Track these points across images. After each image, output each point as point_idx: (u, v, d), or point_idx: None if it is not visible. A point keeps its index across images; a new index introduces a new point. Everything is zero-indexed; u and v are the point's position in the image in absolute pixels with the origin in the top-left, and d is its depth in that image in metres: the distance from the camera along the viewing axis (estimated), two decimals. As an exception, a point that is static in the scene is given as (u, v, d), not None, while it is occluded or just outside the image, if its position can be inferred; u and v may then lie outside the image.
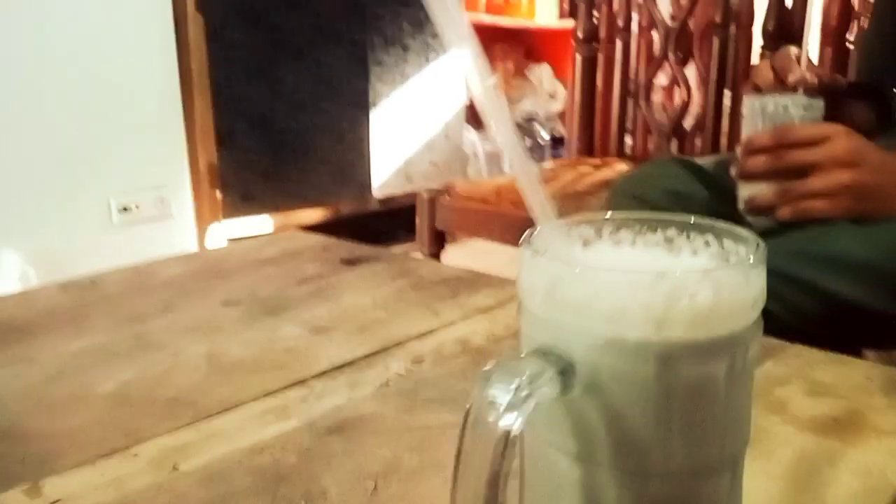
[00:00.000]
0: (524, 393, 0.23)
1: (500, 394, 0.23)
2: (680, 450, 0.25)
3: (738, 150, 0.84)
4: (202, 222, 2.17)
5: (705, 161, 1.04)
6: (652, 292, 0.23)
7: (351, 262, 0.82)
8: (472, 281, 0.75)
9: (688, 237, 0.29)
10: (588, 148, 1.69)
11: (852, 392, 0.51)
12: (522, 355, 0.25)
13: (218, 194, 2.24)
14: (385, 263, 0.81)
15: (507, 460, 0.23)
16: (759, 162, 0.80)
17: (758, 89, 0.88)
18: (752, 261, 0.25)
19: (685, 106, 1.58)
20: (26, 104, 1.79)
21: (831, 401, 0.50)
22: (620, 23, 1.64)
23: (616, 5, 1.64)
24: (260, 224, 2.42)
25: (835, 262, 0.72)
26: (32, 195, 1.81)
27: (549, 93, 3.69)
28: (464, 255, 1.58)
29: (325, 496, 0.40)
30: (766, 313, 0.74)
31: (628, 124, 1.69)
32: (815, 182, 0.77)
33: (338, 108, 2.57)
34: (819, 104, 0.81)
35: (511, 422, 0.23)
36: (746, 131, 0.84)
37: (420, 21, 2.76)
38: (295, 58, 2.43)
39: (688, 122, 1.60)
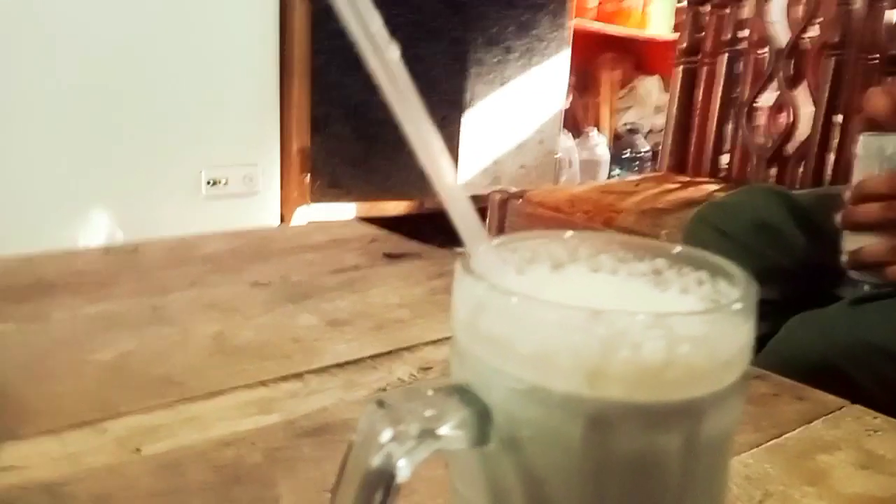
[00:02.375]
0: (419, 433, 0.19)
1: (389, 430, 0.19)
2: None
3: (848, 193, 0.75)
4: (287, 203, 2.21)
5: (804, 195, 0.95)
6: (586, 335, 0.18)
7: (393, 257, 0.79)
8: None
9: (679, 271, 0.24)
10: (680, 165, 1.60)
11: (912, 471, 0.44)
12: (432, 389, 0.21)
13: (306, 178, 2.26)
14: (426, 261, 0.77)
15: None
16: (871, 210, 0.71)
17: (873, 123, 0.78)
18: (732, 308, 0.20)
19: (790, 130, 1.47)
20: (130, 72, 1.86)
21: (883, 478, 0.43)
22: (727, 37, 1.54)
23: (725, 18, 1.54)
24: (344, 211, 2.44)
25: None
26: (127, 159, 1.88)
27: (657, 105, 3.57)
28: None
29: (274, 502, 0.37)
30: (856, 388, 0.66)
31: (726, 145, 1.59)
32: None
33: (432, 104, 2.54)
34: None
35: (394, 465, 0.19)
36: (859, 173, 0.74)
37: (524, 23, 2.71)
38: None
39: (790, 149, 1.49)
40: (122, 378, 0.49)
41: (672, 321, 0.19)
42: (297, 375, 0.51)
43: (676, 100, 1.58)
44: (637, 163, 3.22)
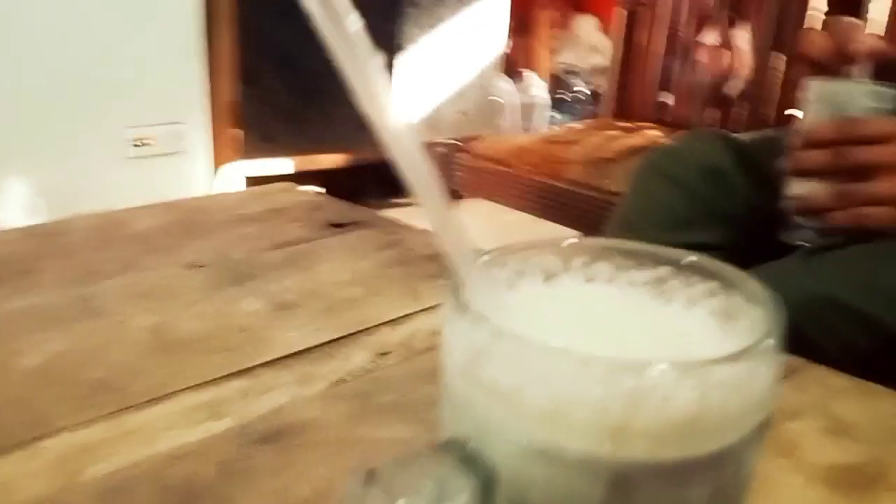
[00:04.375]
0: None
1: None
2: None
3: (795, 138, 0.74)
4: (219, 161, 2.12)
5: (748, 138, 0.94)
6: (608, 388, 0.16)
7: (338, 226, 0.75)
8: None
9: (686, 281, 0.22)
10: (623, 109, 1.58)
11: (879, 434, 0.44)
12: (429, 452, 0.18)
13: (237, 133, 2.17)
14: (374, 230, 0.74)
15: None
16: (817, 157, 0.70)
17: (815, 65, 0.77)
18: (765, 346, 0.18)
19: (732, 71, 1.47)
20: (40, 26, 1.73)
21: (852, 445, 0.42)
22: (668, -24, 1.51)
23: (665, -43, 1.51)
24: (280, 166, 2.36)
25: None
26: (44, 123, 1.77)
27: (592, 46, 3.54)
28: (477, 217, 1.51)
29: (234, 525, 0.34)
30: (813, 345, 0.66)
31: (668, 86, 1.58)
32: (880, 186, 0.67)
33: (366, 49, 2.46)
34: (894, 95, 0.70)
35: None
36: (808, 118, 0.73)
37: (460, -38, 2.63)
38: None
39: (733, 90, 1.49)
40: (53, 385, 0.45)
41: (704, 370, 0.16)
42: (247, 371, 0.47)
43: (617, 42, 1.56)
44: (576, 105, 3.20)
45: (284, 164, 2.38)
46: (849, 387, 0.49)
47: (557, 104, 3.25)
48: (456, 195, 1.36)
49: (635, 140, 1.31)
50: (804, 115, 0.74)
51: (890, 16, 1.26)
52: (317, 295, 0.59)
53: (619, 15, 1.57)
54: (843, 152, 0.69)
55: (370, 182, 2.72)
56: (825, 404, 0.46)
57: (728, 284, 0.21)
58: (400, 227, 0.76)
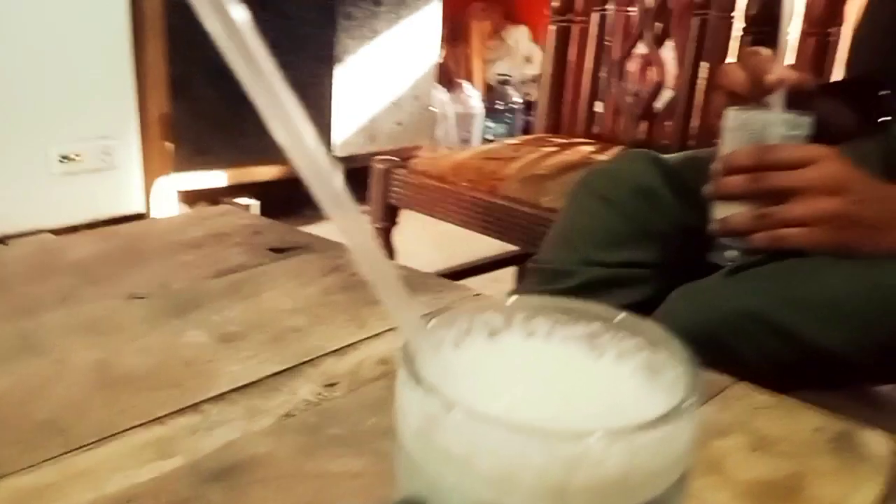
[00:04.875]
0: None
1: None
2: None
3: (717, 165, 0.78)
4: (151, 175, 2.08)
5: (676, 159, 0.99)
6: (548, 456, 0.18)
7: (279, 251, 0.76)
8: (408, 282, 0.69)
9: (616, 336, 0.24)
10: (556, 124, 1.63)
11: (798, 449, 0.47)
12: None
13: (168, 146, 2.14)
14: (316, 255, 0.75)
15: None
16: (737, 182, 0.74)
17: (734, 95, 0.82)
18: (686, 406, 0.20)
19: (658, 87, 1.53)
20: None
21: (774, 460, 0.45)
22: (598, -5, 1.56)
23: (594, -23, 1.56)
24: (213, 179, 2.33)
25: (823, 312, 0.67)
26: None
27: (525, 56, 3.61)
28: (417, 232, 1.52)
29: (190, 568, 0.35)
30: (739, 358, 0.70)
31: (599, 102, 1.63)
32: (795, 209, 0.71)
33: (301, 62, 2.46)
34: (806, 122, 0.75)
35: None
36: (726, 145, 0.78)
37: (393, -25, 2.65)
38: (258, 6, 2.31)
39: (660, 105, 1.55)
40: (-5, 429, 0.45)
41: (633, 435, 0.18)
42: (194, 407, 0.48)
43: (550, 59, 1.60)
44: (511, 115, 3.25)
45: (218, 177, 2.34)
46: (771, 403, 0.52)
47: (492, 114, 3.30)
48: (396, 211, 1.37)
49: (569, 156, 1.35)
50: (724, 143, 0.78)
51: (799, 44, 1.34)
52: (261, 325, 0.59)
53: (551, 32, 1.61)
54: (761, 178, 0.73)
55: (305, 194, 2.70)
56: (749, 422, 0.49)
57: (653, 341, 0.23)
58: (342, 250, 0.76)
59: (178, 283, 0.67)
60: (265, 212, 2.53)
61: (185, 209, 2.37)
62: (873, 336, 0.66)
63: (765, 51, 0.79)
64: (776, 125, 0.75)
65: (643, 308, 0.83)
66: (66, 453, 0.42)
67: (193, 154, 2.27)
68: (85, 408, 0.47)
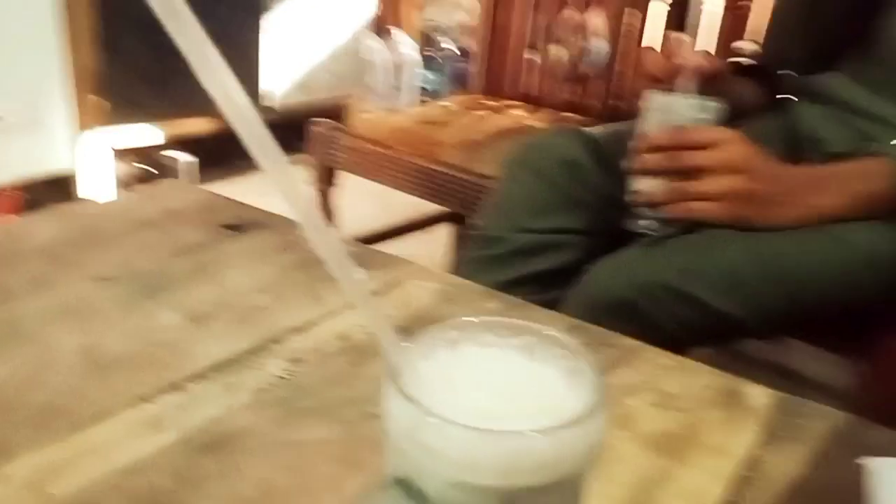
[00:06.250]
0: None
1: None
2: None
3: (636, 141, 0.87)
4: (80, 132, 2.05)
5: (601, 134, 1.07)
6: (499, 449, 0.26)
7: (234, 228, 0.81)
8: (360, 258, 0.76)
9: (546, 346, 0.32)
10: (490, 86, 1.69)
11: (693, 404, 0.56)
12: (385, 489, 0.27)
13: (98, 101, 2.10)
14: (270, 232, 0.80)
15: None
16: (653, 160, 0.84)
17: (653, 79, 0.91)
18: (596, 411, 0.28)
19: (586, 50, 1.60)
20: None
21: (673, 414, 0.55)
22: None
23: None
24: (145, 133, 2.31)
25: (723, 282, 0.78)
26: None
27: (456, 2, 3.61)
28: (356, 187, 1.57)
29: (198, 526, 0.42)
30: (655, 326, 0.81)
31: (530, 65, 1.70)
32: (704, 185, 0.81)
33: (228, 12, 2.42)
34: (717, 106, 0.85)
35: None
36: (647, 125, 0.87)
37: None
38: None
39: (587, 68, 1.62)
40: (2, 412, 0.50)
41: (558, 434, 0.26)
42: (177, 385, 0.54)
43: (485, 22, 1.65)
44: (445, 63, 3.28)
45: (151, 132, 2.32)
46: (673, 365, 0.62)
47: (427, 62, 3.31)
48: (333, 170, 1.42)
49: (503, 121, 1.42)
50: (645, 122, 0.87)
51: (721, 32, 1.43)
52: (227, 304, 0.66)
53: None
54: (674, 157, 0.82)
55: (240, 147, 2.69)
56: (654, 381, 0.59)
57: (574, 351, 0.31)
58: (293, 228, 0.82)
59: (141, 263, 0.72)
60: (200, 165, 2.53)
61: (116, 165, 2.34)
62: (764, 301, 0.77)
63: (685, 38, 0.88)
64: (688, 108, 0.84)
65: (568, 271, 0.93)
66: (71, 432, 0.48)
67: (123, 109, 2.24)
68: (80, 390, 0.53)
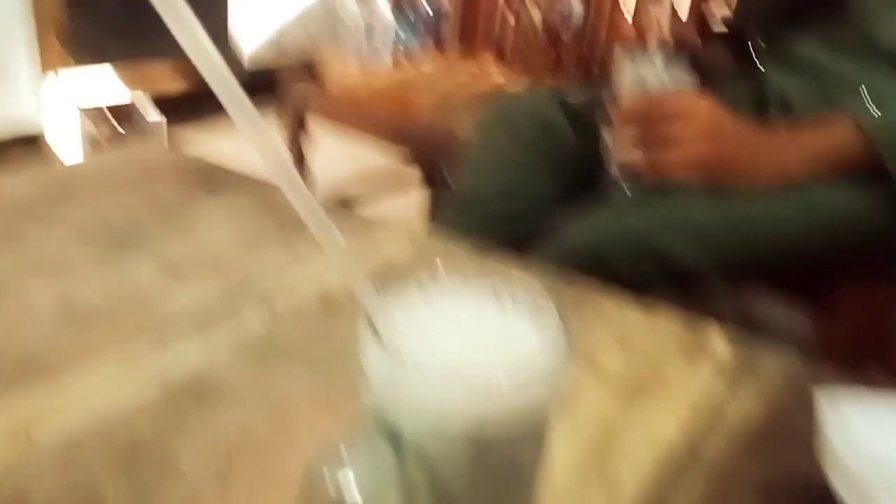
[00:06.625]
0: (365, 474, 0.27)
1: (346, 478, 0.27)
2: (486, 498, 0.30)
3: (610, 105, 0.89)
4: (44, 77, 2.00)
5: (575, 96, 1.08)
6: (471, 396, 0.27)
7: (210, 189, 0.81)
8: (334, 220, 0.77)
9: (514, 299, 0.33)
10: (467, 46, 1.68)
11: (656, 350, 0.58)
12: (364, 431, 0.29)
13: (61, 46, 2.05)
14: (246, 193, 0.80)
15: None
16: (631, 132, 0.86)
17: (629, 49, 0.93)
18: (561, 363, 0.29)
19: (564, 17, 1.60)
20: None
21: (637, 359, 0.57)
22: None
23: None
24: (110, 81, 2.26)
25: (690, 237, 0.81)
26: None
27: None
28: (331, 154, 1.57)
29: (180, 473, 0.43)
30: (623, 276, 0.83)
31: (505, 25, 1.69)
32: (678, 154, 0.84)
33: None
34: (688, 71, 0.87)
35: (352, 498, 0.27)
36: (623, 94, 0.89)
37: None
38: None
39: (565, 29, 1.62)
40: (-21, 364, 0.51)
41: (526, 381, 0.28)
42: (156, 338, 0.55)
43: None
44: (419, 22, 3.24)
45: (115, 80, 2.27)
46: (638, 314, 0.64)
47: (401, 20, 3.27)
48: (309, 133, 1.41)
49: (478, 82, 1.42)
50: (620, 86, 0.89)
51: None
52: (203, 259, 0.66)
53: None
54: (649, 128, 0.85)
55: (210, 96, 2.66)
56: (619, 329, 0.61)
57: (543, 302, 0.32)
58: (271, 188, 0.82)
59: (117, 220, 0.72)
60: (171, 123, 2.50)
61: (84, 119, 2.31)
62: (727, 255, 0.80)
63: (663, 8, 0.89)
64: (664, 76, 0.86)
65: (546, 234, 0.95)
66: (49, 382, 0.49)
67: (87, 54, 2.19)
68: (56, 342, 0.54)
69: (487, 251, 0.72)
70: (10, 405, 0.47)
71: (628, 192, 0.89)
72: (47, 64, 2.02)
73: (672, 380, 0.55)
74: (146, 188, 0.80)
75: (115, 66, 2.26)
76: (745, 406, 0.52)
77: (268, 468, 0.44)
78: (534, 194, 0.98)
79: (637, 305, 0.64)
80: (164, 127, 2.43)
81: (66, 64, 2.08)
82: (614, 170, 0.90)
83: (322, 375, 0.52)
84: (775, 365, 0.57)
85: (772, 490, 0.45)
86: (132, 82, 2.32)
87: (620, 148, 0.88)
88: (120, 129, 2.43)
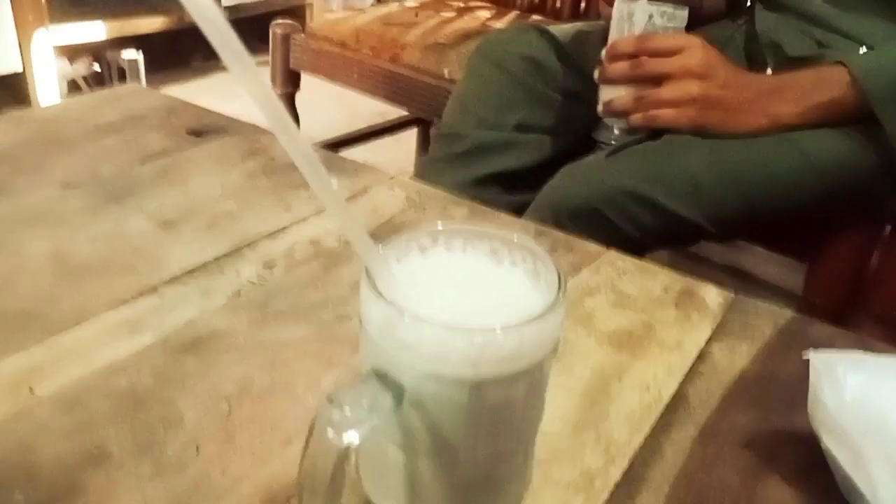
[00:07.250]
0: (364, 415, 0.28)
1: (344, 417, 0.27)
2: (484, 447, 0.31)
3: (603, 52, 0.88)
4: (24, 30, 1.95)
5: (563, 32, 1.07)
6: (468, 343, 0.27)
7: (197, 134, 0.80)
8: (326, 165, 0.76)
9: (510, 251, 0.33)
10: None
11: (649, 304, 0.60)
12: (363, 378, 0.29)
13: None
14: (234, 138, 0.80)
15: (348, 468, 0.28)
16: (619, 68, 0.84)
17: None
18: (556, 310, 0.30)
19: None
20: None
21: (630, 313, 0.58)
22: None
23: None
24: (93, 31, 2.21)
25: (682, 187, 0.80)
26: None
27: None
28: (319, 91, 1.54)
29: (181, 421, 0.44)
30: (616, 230, 0.83)
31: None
32: (666, 91, 0.82)
33: None
34: (683, 14, 0.85)
35: (352, 439, 0.27)
36: (613, 33, 0.87)
37: None
38: None
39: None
40: (-25, 317, 0.51)
41: (521, 329, 0.28)
42: (152, 289, 0.55)
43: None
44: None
45: (98, 29, 2.22)
46: (632, 267, 0.64)
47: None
48: (298, 77, 1.39)
49: (467, 23, 1.40)
50: (611, 30, 0.87)
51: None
52: (195, 211, 0.66)
53: None
54: (639, 64, 0.83)
55: (192, 44, 2.60)
56: (613, 282, 0.62)
57: (536, 254, 0.33)
58: (258, 134, 0.82)
59: (106, 170, 0.71)
60: (149, 65, 2.44)
61: (64, 65, 2.25)
62: (720, 206, 0.80)
63: None
64: (655, 16, 0.84)
65: (533, 174, 0.95)
66: (48, 336, 0.49)
67: (70, 5, 2.14)
68: (54, 296, 0.54)
69: (478, 193, 0.72)
70: (7, 360, 0.47)
71: (616, 131, 0.89)
72: (25, 24, 1.96)
73: (666, 334, 0.56)
74: (131, 134, 0.78)
75: (99, 19, 2.20)
76: (736, 358, 0.53)
77: (267, 416, 0.45)
78: (519, 125, 0.97)
79: (630, 259, 0.65)
80: (142, 66, 2.38)
81: (46, 23, 2.02)
82: (601, 107, 0.89)
83: (317, 325, 0.52)
84: (767, 318, 0.58)
85: (759, 442, 0.46)
86: (114, 28, 2.27)
87: (608, 87, 0.87)
88: (96, 68, 2.38)
